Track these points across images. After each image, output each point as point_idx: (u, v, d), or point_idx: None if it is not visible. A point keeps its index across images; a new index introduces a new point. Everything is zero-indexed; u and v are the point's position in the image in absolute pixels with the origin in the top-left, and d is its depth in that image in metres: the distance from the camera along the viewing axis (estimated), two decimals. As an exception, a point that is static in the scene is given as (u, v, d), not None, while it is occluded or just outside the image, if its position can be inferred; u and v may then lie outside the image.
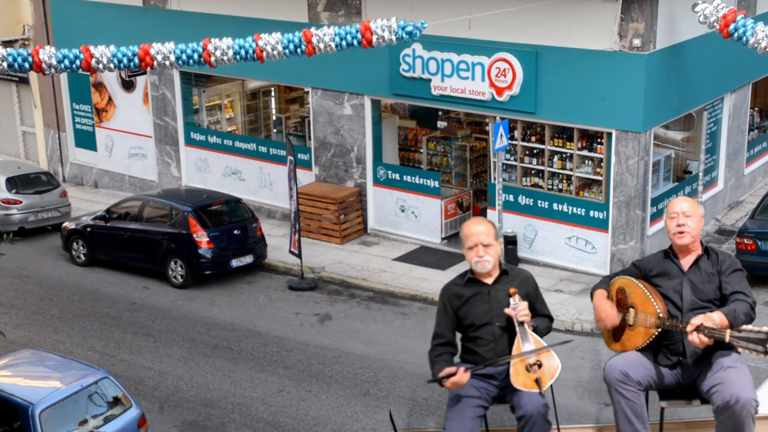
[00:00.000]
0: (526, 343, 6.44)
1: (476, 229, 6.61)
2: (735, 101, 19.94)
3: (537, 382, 6.33)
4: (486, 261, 6.57)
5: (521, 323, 6.48)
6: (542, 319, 6.78)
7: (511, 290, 6.58)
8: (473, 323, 6.66)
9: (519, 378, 6.40)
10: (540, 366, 6.38)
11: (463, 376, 6.32)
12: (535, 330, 6.59)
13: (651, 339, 6.50)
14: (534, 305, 6.75)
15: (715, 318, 6.14)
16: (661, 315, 6.44)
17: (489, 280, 6.68)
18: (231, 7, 20.67)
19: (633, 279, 6.71)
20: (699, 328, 6.09)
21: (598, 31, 16.61)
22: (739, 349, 6.20)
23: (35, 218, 21.58)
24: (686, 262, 6.60)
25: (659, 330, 6.45)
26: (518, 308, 6.50)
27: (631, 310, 6.63)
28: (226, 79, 22.73)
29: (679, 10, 16.76)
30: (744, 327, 6.07)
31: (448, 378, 6.33)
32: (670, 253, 6.68)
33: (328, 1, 19.49)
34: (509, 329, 6.59)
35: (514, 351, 6.50)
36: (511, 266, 6.91)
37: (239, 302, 17.61)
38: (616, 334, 6.77)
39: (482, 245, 6.55)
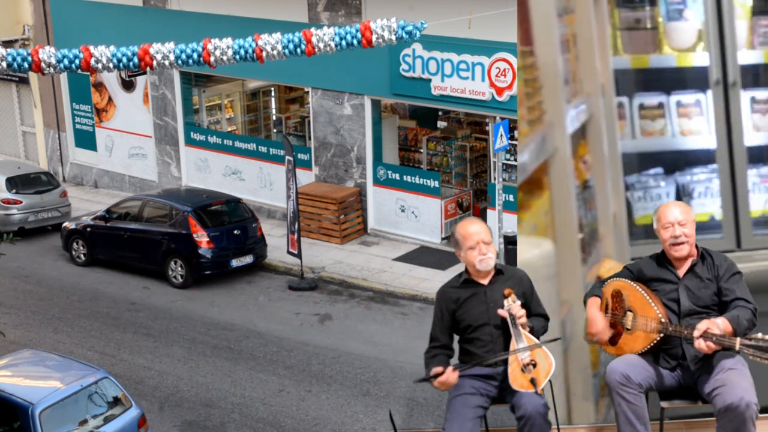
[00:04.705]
0: (521, 344, 6.42)
1: (474, 228, 6.59)
2: (735, 101, 19.90)
3: (532, 382, 6.33)
4: (489, 258, 6.54)
5: (515, 324, 6.47)
6: (538, 319, 6.73)
7: (506, 291, 6.53)
8: (470, 324, 6.63)
9: (516, 379, 6.40)
10: (534, 365, 6.37)
11: (450, 375, 6.36)
12: (531, 330, 6.56)
13: (652, 344, 6.38)
14: (529, 305, 6.70)
15: (720, 324, 6.00)
16: (662, 320, 6.31)
17: (485, 281, 6.65)
18: (231, 7, 20.66)
19: (630, 282, 6.56)
20: (706, 335, 5.94)
21: (599, 31, 16.59)
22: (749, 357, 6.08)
23: (35, 218, 21.57)
24: (682, 268, 6.45)
25: (661, 335, 6.33)
26: (514, 311, 6.49)
27: (629, 313, 6.50)
28: (226, 79, 22.72)
29: (679, 10, 16.75)
30: (754, 336, 5.89)
31: (436, 377, 6.37)
32: (664, 260, 6.52)
33: (328, 1, 19.48)
34: (506, 329, 6.56)
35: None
36: (506, 266, 6.88)
37: (239, 302, 17.60)
38: (612, 338, 6.65)
39: (483, 243, 6.53)
